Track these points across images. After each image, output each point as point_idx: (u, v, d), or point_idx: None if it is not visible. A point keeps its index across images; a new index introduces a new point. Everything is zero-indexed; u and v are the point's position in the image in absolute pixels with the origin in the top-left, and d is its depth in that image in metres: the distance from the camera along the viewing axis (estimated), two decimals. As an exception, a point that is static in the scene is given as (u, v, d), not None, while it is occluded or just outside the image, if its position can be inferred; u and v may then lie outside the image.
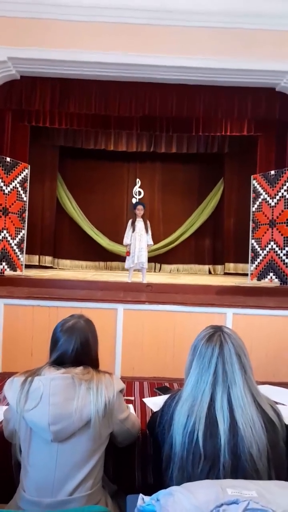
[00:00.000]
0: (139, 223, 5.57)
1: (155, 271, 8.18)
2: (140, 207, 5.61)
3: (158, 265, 8.28)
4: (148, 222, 5.70)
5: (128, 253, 5.53)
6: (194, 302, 3.86)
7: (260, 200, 5.53)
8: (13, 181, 5.35)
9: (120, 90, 5.20)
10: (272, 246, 5.36)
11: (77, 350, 1.48)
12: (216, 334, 1.32)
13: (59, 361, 1.48)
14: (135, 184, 8.30)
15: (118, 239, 7.91)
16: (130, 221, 5.67)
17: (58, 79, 5.12)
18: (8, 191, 5.29)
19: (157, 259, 8.14)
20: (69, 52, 4.73)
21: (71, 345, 1.48)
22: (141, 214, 5.59)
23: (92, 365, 1.50)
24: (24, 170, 5.48)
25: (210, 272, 8.29)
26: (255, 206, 5.61)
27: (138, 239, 5.50)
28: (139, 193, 8.29)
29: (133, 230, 5.52)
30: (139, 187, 8.30)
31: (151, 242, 5.69)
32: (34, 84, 5.16)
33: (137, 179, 8.29)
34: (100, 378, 1.44)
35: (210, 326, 1.37)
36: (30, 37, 4.69)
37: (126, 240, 5.59)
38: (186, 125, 6.23)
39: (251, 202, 5.63)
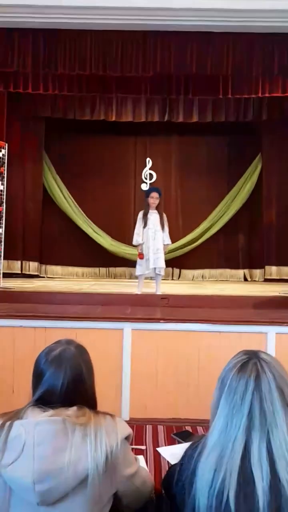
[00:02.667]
0: (153, 216, 5.55)
1: (172, 279, 8.17)
2: (154, 194, 5.58)
3: (176, 271, 8.27)
4: (164, 216, 5.68)
5: (141, 256, 5.50)
6: (224, 319, 3.84)
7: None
8: (-14, 165, 5.42)
9: (124, 42, 5.23)
10: None
11: (67, 386, 1.49)
12: (250, 362, 1.32)
13: (45, 400, 1.49)
14: (145, 165, 8.31)
15: (124, 237, 7.93)
16: (141, 214, 5.65)
17: (42, 31, 5.17)
18: (-20, 178, 5.36)
19: (175, 262, 8.13)
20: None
21: (59, 379, 1.49)
22: (156, 204, 5.57)
23: (88, 404, 1.51)
24: (0, 150, 5.55)
25: (245, 279, 8.25)
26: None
27: (152, 237, 5.48)
28: (151, 176, 8.29)
29: (145, 225, 5.51)
30: (150, 168, 8.31)
31: (169, 242, 5.67)
32: (12, 37, 5.22)
33: (148, 159, 8.30)
34: (99, 422, 1.44)
35: (243, 352, 1.37)
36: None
37: (137, 239, 5.56)
38: (211, 86, 6.20)
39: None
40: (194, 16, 4.89)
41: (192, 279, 8.24)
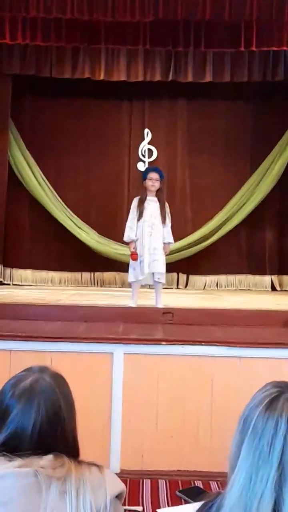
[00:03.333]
0: (151, 204, 5.57)
1: (178, 287, 8.18)
2: (154, 175, 5.61)
3: (183, 277, 8.28)
4: (167, 205, 5.69)
5: (134, 256, 5.53)
6: (246, 340, 3.85)
7: None
8: None
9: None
10: None
11: (41, 427, 1.48)
12: (282, 397, 1.31)
13: (11, 446, 1.48)
14: (143, 139, 8.31)
15: (114, 233, 7.91)
16: (135, 201, 5.67)
17: None
18: None
19: (181, 266, 8.14)
20: None
21: (30, 419, 1.48)
22: (157, 188, 5.60)
23: (68, 451, 1.50)
24: None
25: (274, 288, 8.26)
26: None
27: (148, 233, 5.50)
28: (150, 153, 8.29)
29: (140, 216, 5.53)
30: (150, 142, 8.30)
31: (171, 240, 5.68)
32: None
33: (146, 130, 8.30)
34: (82, 475, 1.43)
35: (272, 384, 1.36)
36: None
37: (129, 234, 5.59)
38: (230, 35, 6.21)
39: None
40: None
41: (204, 288, 8.23)
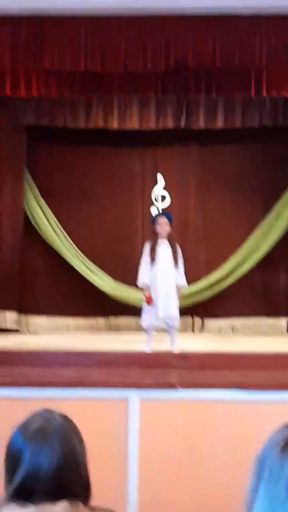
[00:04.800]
0: (163, 248, 5.61)
1: (193, 331, 8.12)
2: (163, 220, 5.69)
3: (198, 321, 8.23)
4: (178, 248, 5.73)
5: (149, 300, 5.54)
6: (263, 384, 3.81)
7: None
8: None
9: (128, 30, 5.37)
10: None
11: (57, 467, 1.45)
12: (298, 439, 1.30)
13: (26, 490, 1.44)
14: (155, 183, 8.38)
15: (129, 278, 7.91)
16: (147, 246, 5.72)
17: (26, 19, 5.33)
18: None
19: (196, 310, 8.10)
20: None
21: (46, 458, 1.45)
22: (166, 232, 5.64)
23: (82, 494, 1.47)
24: None
25: (290, 331, 8.19)
26: None
27: (162, 276, 5.52)
28: (163, 198, 8.35)
29: (153, 260, 5.56)
30: (163, 188, 8.37)
31: (184, 283, 5.69)
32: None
33: (159, 175, 8.38)
34: (97, 523, 1.42)
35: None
36: None
37: (142, 279, 5.62)
38: (240, 81, 6.30)
39: None
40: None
41: (220, 332, 8.16)
